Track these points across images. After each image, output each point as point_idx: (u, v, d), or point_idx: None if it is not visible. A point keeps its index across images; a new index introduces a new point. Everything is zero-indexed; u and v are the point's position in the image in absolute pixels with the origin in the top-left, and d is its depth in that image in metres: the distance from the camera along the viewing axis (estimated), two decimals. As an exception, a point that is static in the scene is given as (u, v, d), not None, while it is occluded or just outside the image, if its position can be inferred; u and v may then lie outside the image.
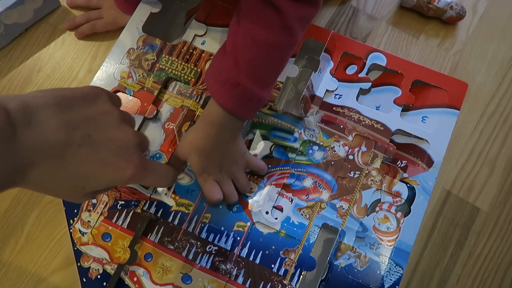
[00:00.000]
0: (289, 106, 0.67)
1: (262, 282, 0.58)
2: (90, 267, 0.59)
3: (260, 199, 0.61)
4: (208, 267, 0.58)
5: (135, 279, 0.59)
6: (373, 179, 0.62)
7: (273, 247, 0.59)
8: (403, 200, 0.61)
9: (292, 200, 0.61)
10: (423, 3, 0.76)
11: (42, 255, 0.67)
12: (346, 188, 0.62)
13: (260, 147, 0.64)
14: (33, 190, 0.37)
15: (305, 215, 0.61)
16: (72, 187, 0.37)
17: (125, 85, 0.66)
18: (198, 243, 0.59)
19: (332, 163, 0.63)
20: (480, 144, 0.73)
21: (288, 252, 0.59)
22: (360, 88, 0.66)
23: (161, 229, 0.61)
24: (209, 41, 0.68)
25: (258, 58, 0.54)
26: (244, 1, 0.54)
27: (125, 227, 0.60)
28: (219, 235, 0.60)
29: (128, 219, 0.60)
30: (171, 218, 0.61)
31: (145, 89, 0.66)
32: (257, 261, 0.59)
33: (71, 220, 0.60)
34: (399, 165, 0.63)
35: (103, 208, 0.61)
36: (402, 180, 0.62)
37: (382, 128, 0.64)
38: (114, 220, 0.60)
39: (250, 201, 0.61)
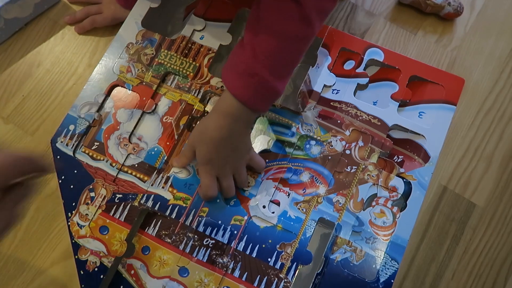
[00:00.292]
0: (287, 101, 0.67)
1: (259, 276, 0.58)
2: (87, 260, 0.59)
3: (257, 193, 0.62)
4: (205, 261, 0.59)
5: (132, 272, 0.59)
6: (369, 174, 0.62)
7: (270, 241, 0.60)
8: (399, 195, 0.61)
9: (289, 195, 0.62)
10: (421, -1, 0.77)
11: (40, 248, 0.67)
12: (342, 182, 0.62)
13: (258, 141, 0.64)
14: None
15: (302, 209, 0.61)
16: None
17: (124, 79, 0.67)
18: (195, 236, 0.60)
19: (329, 157, 0.63)
20: (476, 140, 0.74)
21: (285, 246, 0.60)
22: (358, 83, 0.66)
23: (159, 223, 0.61)
24: (208, 36, 0.69)
25: (276, 48, 0.54)
26: None
27: (123, 220, 0.61)
28: (216, 228, 0.60)
29: (126, 212, 0.61)
30: (168, 211, 0.61)
31: (144, 83, 0.66)
32: (254, 254, 0.59)
33: (69, 213, 0.61)
34: (395, 160, 0.63)
35: (101, 201, 0.61)
36: (398, 175, 0.62)
37: (379, 123, 0.64)
38: (111, 213, 0.61)
39: (247, 195, 0.62)
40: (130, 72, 0.67)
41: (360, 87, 0.67)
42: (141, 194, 0.62)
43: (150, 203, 0.61)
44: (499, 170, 0.72)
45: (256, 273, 0.59)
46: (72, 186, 0.62)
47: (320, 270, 0.58)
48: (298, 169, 0.63)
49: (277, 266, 0.59)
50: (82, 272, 0.58)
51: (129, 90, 0.66)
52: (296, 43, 0.55)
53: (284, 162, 0.63)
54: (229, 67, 0.57)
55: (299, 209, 0.61)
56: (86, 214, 0.61)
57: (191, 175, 0.62)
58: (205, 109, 0.66)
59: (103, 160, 0.63)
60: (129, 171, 0.63)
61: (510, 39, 0.79)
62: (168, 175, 0.63)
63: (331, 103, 0.65)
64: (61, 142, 0.64)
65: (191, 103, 0.66)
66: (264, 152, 0.64)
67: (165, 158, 0.63)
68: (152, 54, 0.68)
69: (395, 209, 0.61)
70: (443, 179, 0.71)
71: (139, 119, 0.65)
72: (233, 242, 0.60)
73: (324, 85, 0.66)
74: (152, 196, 0.62)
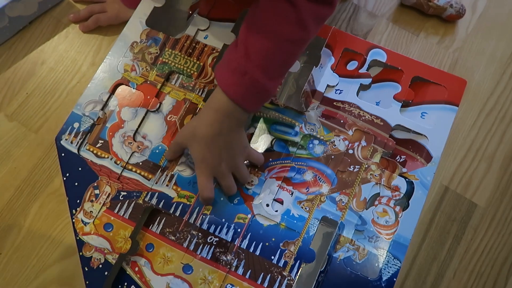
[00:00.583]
0: (290, 100, 0.67)
1: (262, 273, 0.59)
2: (92, 256, 0.59)
3: (261, 192, 0.62)
4: (209, 258, 0.59)
5: (136, 269, 0.59)
6: (372, 173, 0.63)
7: (273, 239, 0.60)
8: (402, 194, 0.62)
9: (292, 193, 0.62)
10: (423, 1, 0.77)
11: (44, 246, 0.67)
12: (345, 182, 0.62)
13: (261, 140, 0.65)
14: None
15: (305, 208, 0.61)
16: None
17: (128, 78, 0.67)
18: (199, 234, 0.60)
19: (332, 157, 0.63)
20: (478, 141, 0.74)
21: (288, 244, 0.60)
22: (361, 84, 0.67)
23: (163, 220, 0.61)
24: (212, 36, 0.69)
25: (268, 49, 0.54)
26: None
27: (127, 217, 0.61)
28: (220, 226, 0.61)
29: (130, 209, 0.61)
30: (172, 209, 0.61)
31: (148, 82, 0.67)
32: (257, 252, 0.60)
33: (73, 210, 0.61)
34: (398, 160, 0.64)
35: (106, 199, 0.62)
36: (401, 175, 0.63)
37: (381, 123, 0.65)
38: (116, 211, 0.61)
39: (250, 193, 0.62)
40: (135, 71, 0.67)
41: (363, 88, 0.67)
42: (146, 192, 0.62)
43: (154, 201, 0.61)
44: (500, 170, 0.72)
45: (260, 271, 0.59)
46: (76, 184, 0.62)
47: (323, 268, 0.59)
48: (301, 168, 0.63)
49: (281, 264, 0.59)
50: (86, 269, 0.59)
51: (134, 88, 0.67)
52: (290, 46, 0.56)
53: (287, 161, 0.64)
54: (222, 64, 0.57)
55: (302, 207, 0.61)
56: (91, 211, 0.61)
57: (195, 173, 0.62)
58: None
59: (108, 158, 0.64)
60: (134, 169, 0.63)
61: (511, 41, 0.80)
62: (172, 173, 0.63)
63: (334, 103, 0.66)
64: (66, 139, 0.64)
65: (195, 102, 0.66)
66: (267, 151, 0.64)
67: (169, 157, 0.64)
68: (157, 53, 0.68)
69: (397, 208, 0.61)
70: (445, 179, 0.72)
71: (144, 117, 0.65)
72: (236, 240, 0.60)
73: (327, 85, 0.66)
74: (156, 194, 0.62)
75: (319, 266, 0.59)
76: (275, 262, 0.59)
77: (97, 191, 0.62)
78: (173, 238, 0.60)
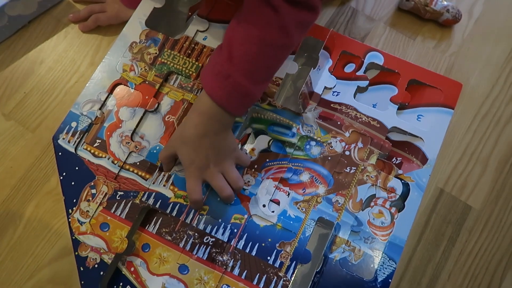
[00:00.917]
0: (287, 102, 0.68)
1: (258, 274, 0.59)
2: (87, 256, 0.59)
3: (258, 192, 0.62)
4: (205, 258, 0.59)
5: (132, 269, 0.59)
6: (368, 175, 0.63)
7: (269, 240, 0.60)
8: (398, 196, 0.62)
9: (289, 194, 0.63)
10: (420, 5, 0.78)
11: (39, 245, 0.67)
12: (342, 183, 0.63)
13: (258, 141, 0.65)
14: None
15: (302, 209, 0.62)
16: None
17: (127, 78, 0.67)
18: (196, 234, 0.60)
19: (329, 158, 0.64)
20: (473, 144, 0.75)
21: (284, 245, 0.60)
22: (358, 86, 0.67)
23: (159, 220, 0.61)
24: (211, 37, 0.69)
25: (251, 53, 0.55)
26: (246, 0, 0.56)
27: (123, 217, 0.61)
28: (216, 227, 0.61)
29: (127, 209, 0.61)
30: (169, 209, 0.61)
31: (146, 82, 0.67)
32: (253, 253, 0.60)
33: (70, 210, 0.61)
34: (394, 162, 0.64)
35: (102, 198, 0.62)
36: (397, 176, 0.63)
37: (378, 125, 0.65)
38: (112, 211, 0.61)
39: (247, 194, 0.62)
40: (133, 71, 0.68)
41: (360, 90, 0.68)
42: (143, 192, 0.62)
43: (151, 201, 0.62)
44: (495, 173, 0.73)
45: (256, 272, 0.59)
46: (73, 183, 0.62)
47: (319, 269, 0.59)
48: (298, 169, 0.64)
49: (277, 264, 0.59)
50: (82, 269, 0.59)
51: (132, 88, 0.67)
52: (273, 51, 0.56)
53: (284, 162, 0.64)
54: (207, 67, 0.58)
55: (298, 208, 0.62)
56: (87, 211, 0.61)
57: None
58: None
59: (105, 157, 0.64)
60: (131, 169, 0.63)
61: (506, 46, 0.80)
62: (169, 173, 0.63)
63: (332, 105, 0.66)
64: (63, 139, 0.65)
65: (193, 102, 0.66)
66: (264, 152, 0.64)
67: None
68: (156, 53, 0.68)
69: (393, 209, 0.62)
70: (440, 182, 0.72)
71: (142, 117, 0.65)
72: (233, 241, 0.60)
73: (325, 87, 0.67)
74: (154, 194, 0.62)
75: (315, 267, 0.59)
76: (271, 263, 0.59)
77: (94, 191, 0.62)
78: (169, 238, 0.60)
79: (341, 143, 0.64)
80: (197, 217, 0.61)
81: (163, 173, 0.63)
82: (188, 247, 0.60)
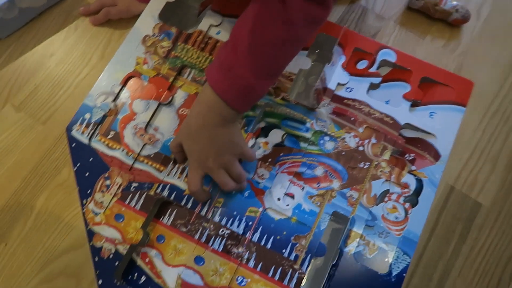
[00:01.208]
0: (299, 97, 0.68)
1: (273, 266, 0.59)
2: (102, 246, 0.59)
3: (272, 186, 0.62)
4: (220, 250, 0.59)
5: (147, 260, 0.59)
6: (382, 170, 0.63)
7: (284, 233, 0.61)
8: (411, 191, 0.63)
9: (303, 188, 0.63)
10: (429, 5, 0.79)
11: (50, 237, 0.67)
12: (356, 178, 0.63)
13: (271, 135, 0.65)
14: None
15: (316, 203, 0.62)
16: None
17: (140, 70, 0.67)
18: (211, 226, 0.60)
19: (343, 153, 0.64)
20: (482, 142, 0.75)
21: (299, 238, 0.60)
22: (371, 83, 0.68)
23: (174, 212, 0.61)
24: (224, 31, 0.69)
25: (255, 46, 0.53)
26: None
27: (138, 208, 0.61)
28: (231, 219, 0.61)
29: (141, 201, 0.61)
30: (184, 201, 0.61)
31: (160, 75, 0.67)
32: (269, 246, 0.60)
33: (84, 200, 0.61)
34: (407, 158, 0.65)
35: (117, 190, 0.61)
36: (410, 172, 0.63)
37: (391, 122, 0.66)
38: (127, 202, 0.61)
39: (262, 187, 0.62)
40: (147, 64, 0.68)
41: (372, 87, 0.68)
42: (157, 184, 0.62)
43: (165, 193, 0.61)
44: (504, 171, 0.74)
45: (271, 264, 0.59)
46: (87, 174, 0.62)
47: (334, 262, 0.59)
48: (312, 164, 0.64)
49: (292, 257, 0.59)
50: (97, 259, 0.58)
51: (146, 81, 0.67)
52: (278, 45, 0.54)
53: (298, 157, 0.64)
54: (214, 59, 0.58)
55: (313, 202, 0.62)
56: (101, 202, 0.61)
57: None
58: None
59: (119, 149, 0.64)
60: (145, 161, 0.63)
61: (514, 46, 0.81)
62: (184, 166, 0.63)
63: (345, 101, 0.67)
64: (77, 130, 0.64)
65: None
66: (278, 146, 0.65)
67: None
68: (169, 47, 0.68)
69: (407, 205, 0.62)
70: (451, 179, 0.73)
71: (156, 110, 0.65)
72: (248, 233, 0.60)
73: (338, 83, 0.67)
74: (168, 186, 0.62)
75: (330, 260, 0.60)
76: (286, 256, 0.59)
77: (108, 182, 0.62)
78: (184, 229, 0.60)
79: (355, 139, 0.65)
80: (212, 209, 0.61)
81: (177, 165, 0.63)
82: (203, 239, 0.60)
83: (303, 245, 0.60)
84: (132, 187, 0.62)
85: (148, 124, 0.65)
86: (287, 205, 0.62)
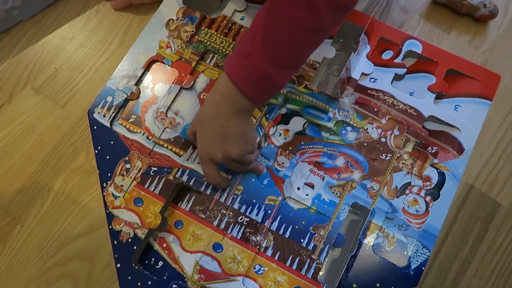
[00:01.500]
0: (321, 86, 0.67)
1: (291, 256, 0.58)
2: (121, 230, 0.59)
3: (292, 175, 0.62)
4: (239, 238, 0.59)
5: (164, 245, 0.59)
6: (404, 163, 0.62)
7: (303, 223, 0.60)
8: (433, 185, 0.62)
9: (323, 178, 0.62)
10: (456, -1, 0.77)
11: (66, 220, 0.67)
12: (377, 169, 0.62)
13: (293, 122, 0.64)
14: None
15: (336, 193, 0.61)
16: None
17: (163, 54, 0.67)
18: (230, 213, 0.60)
19: (365, 144, 0.63)
20: (504, 142, 0.74)
21: (318, 228, 0.60)
22: (395, 74, 0.67)
23: (193, 198, 0.61)
24: (248, 17, 0.69)
25: (274, 33, 0.50)
26: None
27: (157, 193, 0.60)
28: (250, 207, 0.60)
29: (160, 185, 0.61)
30: (203, 187, 0.61)
31: (183, 59, 0.66)
32: (287, 235, 0.59)
33: (104, 184, 0.60)
34: (429, 151, 0.63)
35: (136, 173, 0.61)
36: (432, 165, 0.62)
37: (415, 114, 0.64)
38: (146, 186, 0.61)
39: (281, 176, 0.62)
40: (170, 48, 0.67)
41: (396, 78, 0.67)
42: (176, 168, 0.61)
43: (185, 178, 0.61)
44: (525, 172, 0.72)
45: (289, 253, 0.58)
46: (108, 157, 0.62)
47: (353, 252, 0.58)
48: (333, 154, 0.63)
49: (310, 247, 0.59)
50: (115, 242, 0.58)
51: (168, 65, 0.66)
52: (298, 32, 0.50)
53: (319, 146, 0.63)
54: (234, 47, 0.55)
55: (333, 193, 0.61)
56: (121, 185, 0.60)
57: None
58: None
59: (140, 132, 0.63)
60: (165, 145, 0.63)
61: (541, 44, 0.80)
62: (203, 152, 0.62)
63: (368, 91, 0.66)
64: (98, 113, 0.64)
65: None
66: (299, 134, 0.64)
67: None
68: (192, 31, 0.68)
69: (428, 198, 0.61)
70: (470, 178, 0.72)
71: (177, 94, 0.65)
72: (267, 221, 0.59)
73: (362, 73, 0.66)
74: (188, 171, 0.61)
75: (348, 251, 0.59)
76: (305, 245, 0.59)
77: (128, 166, 0.61)
78: (203, 216, 0.60)
79: (377, 130, 0.64)
80: (232, 196, 0.60)
81: (196, 150, 0.62)
82: (222, 226, 0.59)
83: (322, 236, 0.59)
84: (151, 171, 0.61)
85: (169, 108, 0.64)
86: (307, 194, 0.61)
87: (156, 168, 0.61)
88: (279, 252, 0.58)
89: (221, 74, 0.55)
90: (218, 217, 0.59)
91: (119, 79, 0.65)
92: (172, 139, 0.63)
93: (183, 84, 0.65)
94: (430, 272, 0.68)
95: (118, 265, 0.57)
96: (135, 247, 0.57)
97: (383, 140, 0.63)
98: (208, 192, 0.61)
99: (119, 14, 0.79)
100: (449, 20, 0.80)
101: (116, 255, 0.57)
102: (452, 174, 0.62)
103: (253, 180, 0.61)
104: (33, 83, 0.74)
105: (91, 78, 0.75)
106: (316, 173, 0.62)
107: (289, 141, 0.64)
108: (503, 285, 0.68)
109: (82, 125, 0.72)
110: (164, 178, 0.61)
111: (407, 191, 0.61)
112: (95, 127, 0.63)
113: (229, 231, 0.59)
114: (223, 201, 0.60)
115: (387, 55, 0.68)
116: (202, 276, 0.57)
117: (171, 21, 0.68)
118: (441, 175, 0.62)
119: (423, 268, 0.58)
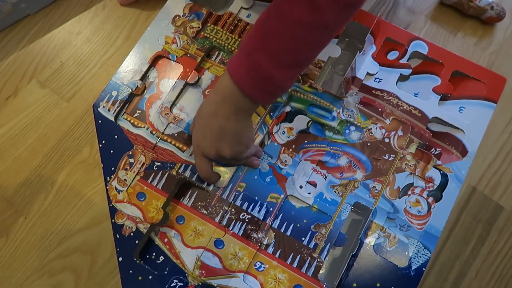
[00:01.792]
0: (326, 85, 0.68)
1: (292, 254, 0.58)
2: (124, 224, 0.59)
3: (295, 173, 0.62)
4: (240, 234, 0.59)
5: (165, 240, 0.59)
6: (407, 163, 0.62)
7: (305, 221, 0.60)
8: (436, 186, 0.62)
9: (326, 177, 0.62)
10: (464, 1, 0.77)
11: (69, 213, 0.67)
12: (380, 169, 0.62)
13: (296, 121, 0.64)
14: None
15: (338, 193, 0.61)
16: None
17: (169, 50, 0.67)
18: (232, 210, 0.60)
19: (368, 144, 0.63)
20: (508, 145, 0.74)
21: (319, 227, 0.60)
22: (400, 74, 0.67)
23: (195, 194, 0.61)
24: (255, 15, 0.69)
25: (275, 30, 0.48)
26: None
27: (160, 188, 0.60)
28: (252, 204, 0.60)
29: (163, 180, 0.61)
30: (205, 183, 0.61)
31: (188, 55, 0.67)
32: (288, 233, 0.59)
33: (108, 177, 0.61)
34: (433, 152, 0.63)
35: (140, 168, 0.61)
36: (435, 167, 0.62)
37: (419, 115, 0.64)
38: (149, 181, 0.61)
39: (284, 173, 0.62)
40: (175, 43, 0.67)
41: (401, 78, 0.67)
42: (179, 164, 0.62)
43: (188, 173, 0.61)
44: (528, 175, 0.72)
45: (290, 251, 0.58)
46: (112, 151, 0.62)
47: (354, 252, 0.58)
48: (336, 153, 0.63)
49: (311, 245, 0.59)
50: (118, 236, 0.58)
51: (173, 61, 0.66)
52: (299, 30, 0.48)
53: (323, 145, 0.63)
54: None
55: (335, 192, 0.61)
56: (125, 180, 0.61)
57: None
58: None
59: (144, 127, 0.63)
60: (169, 140, 0.63)
61: (547, 48, 0.80)
62: (206, 148, 0.62)
63: (373, 91, 0.66)
64: (103, 107, 0.64)
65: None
66: (303, 133, 0.64)
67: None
68: (198, 27, 0.68)
69: (430, 199, 0.61)
70: (473, 180, 0.72)
71: (182, 90, 0.65)
72: (268, 219, 0.60)
73: (367, 73, 0.66)
74: (190, 166, 0.61)
75: (349, 250, 0.59)
76: (306, 244, 0.59)
77: (131, 160, 0.62)
78: (205, 212, 0.60)
79: (381, 130, 0.64)
80: (234, 193, 0.61)
81: (199, 146, 0.62)
82: (224, 222, 0.59)
83: (323, 234, 0.59)
84: (154, 166, 0.61)
85: (173, 103, 0.65)
86: (309, 193, 0.61)
87: (159, 163, 0.61)
88: (280, 250, 0.59)
89: (223, 73, 0.54)
90: (220, 214, 0.60)
91: (124, 74, 0.66)
92: (175, 134, 0.63)
93: (188, 79, 0.65)
94: (431, 273, 0.68)
95: (120, 259, 0.57)
96: (137, 242, 0.58)
97: (386, 140, 0.63)
98: (211, 188, 0.61)
99: (125, 10, 0.79)
100: (455, 22, 0.80)
101: (118, 249, 0.57)
102: (455, 176, 0.62)
103: (255, 177, 0.61)
104: (39, 76, 0.75)
105: (96, 73, 0.75)
106: (318, 172, 0.62)
107: (293, 139, 0.64)
108: (503, 288, 0.68)
109: (86, 119, 0.72)
110: (167, 173, 0.61)
111: (409, 192, 0.61)
112: (99, 121, 0.63)
113: (230, 227, 0.59)
114: (225, 198, 0.60)
115: (392, 55, 0.68)
116: (203, 271, 0.57)
117: (177, 17, 0.69)
118: (444, 177, 0.62)
119: (423, 269, 0.58)
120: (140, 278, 0.57)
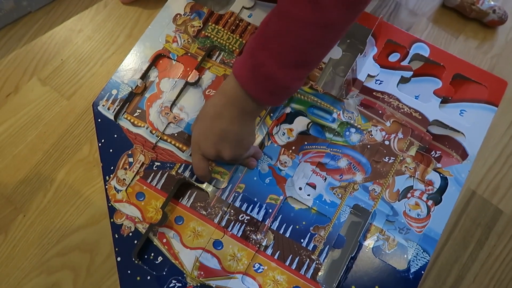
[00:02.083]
0: (326, 86, 0.67)
1: (291, 255, 0.58)
2: (122, 224, 0.59)
3: (294, 175, 0.62)
4: (239, 236, 0.59)
5: (164, 240, 0.59)
6: (407, 166, 0.62)
7: (304, 223, 0.60)
8: (435, 189, 0.61)
9: (325, 179, 0.62)
10: (466, 3, 0.77)
11: (68, 211, 0.67)
12: (380, 172, 0.62)
13: (297, 122, 0.64)
14: None
15: (338, 195, 0.61)
16: None
17: (169, 48, 0.67)
18: (232, 211, 0.60)
19: (368, 146, 0.63)
20: (509, 148, 0.74)
21: (318, 229, 0.60)
22: (401, 76, 0.66)
23: (194, 194, 0.61)
24: (256, 15, 0.69)
25: (278, 30, 0.48)
26: None
27: (159, 188, 0.60)
28: (252, 205, 0.60)
29: (163, 180, 0.61)
30: (205, 184, 0.61)
31: (189, 54, 0.66)
32: (287, 234, 0.59)
33: (107, 177, 0.61)
34: (433, 155, 0.63)
35: (139, 168, 0.61)
36: (435, 170, 0.62)
37: (420, 117, 0.64)
38: (149, 180, 0.61)
39: (283, 175, 0.62)
40: (176, 42, 0.67)
41: (402, 80, 0.67)
42: (179, 164, 0.61)
43: (187, 173, 0.61)
44: (528, 179, 0.72)
45: (289, 253, 0.58)
46: (111, 150, 0.62)
47: (353, 254, 0.58)
48: (336, 155, 0.63)
49: (310, 247, 0.59)
50: (116, 236, 0.58)
51: (174, 59, 0.66)
52: (302, 29, 0.47)
53: (323, 147, 0.63)
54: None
55: (334, 194, 0.61)
56: (124, 179, 0.60)
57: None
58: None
59: (144, 127, 0.63)
60: (169, 140, 0.63)
61: (550, 52, 0.79)
62: (206, 148, 0.62)
63: (374, 93, 0.66)
64: (103, 105, 0.64)
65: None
66: (303, 134, 0.64)
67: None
68: (199, 26, 0.68)
69: (430, 202, 0.61)
70: (473, 184, 0.72)
71: (182, 89, 0.65)
72: (267, 220, 0.60)
73: (368, 75, 0.66)
74: (190, 166, 0.61)
75: (348, 253, 0.59)
76: (305, 245, 0.59)
77: (131, 159, 0.61)
78: (204, 212, 0.60)
79: (381, 132, 0.64)
80: (233, 194, 0.60)
81: (200, 146, 0.62)
82: (223, 223, 0.59)
83: (322, 236, 0.59)
84: (154, 166, 0.61)
85: (173, 103, 0.64)
86: (308, 195, 0.61)
87: (159, 163, 0.61)
88: (279, 251, 0.58)
89: (230, 75, 0.54)
90: (219, 214, 0.60)
91: (124, 73, 0.65)
92: (175, 134, 0.63)
93: (188, 78, 0.65)
94: (429, 276, 0.68)
95: (119, 259, 0.57)
96: (135, 242, 0.58)
97: (386, 143, 0.63)
98: (210, 189, 0.61)
99: (127, 8, 0.79)
100: (457, 25, 0.80)
101: (116, 249, 0.57)
102: (455, 179, 0.62)
103: (255, 178, 0.61)
104: (39, 74, 0.74)
105: (97, 71, 0.75)
106: (318, 174, 0.62)
107: (293, 140, 0.64)
108: (502, 292, 0.68)
109: (86, 117, 0.72)
110: (167, 173, 0.61)
111: (409, 195, 0.61)
112: (99, 120, 0.63)
113: (229, 228, 0.59)
114: (224, 199, 0.60)
115: (394, 57, 0.68)
116: (202, 272, 0.57)
117: (178, 15, 0.68)
118: (444, 180, 0.62)
119: (422, 272, 0.58)
120: (138, 278, 0.57)
